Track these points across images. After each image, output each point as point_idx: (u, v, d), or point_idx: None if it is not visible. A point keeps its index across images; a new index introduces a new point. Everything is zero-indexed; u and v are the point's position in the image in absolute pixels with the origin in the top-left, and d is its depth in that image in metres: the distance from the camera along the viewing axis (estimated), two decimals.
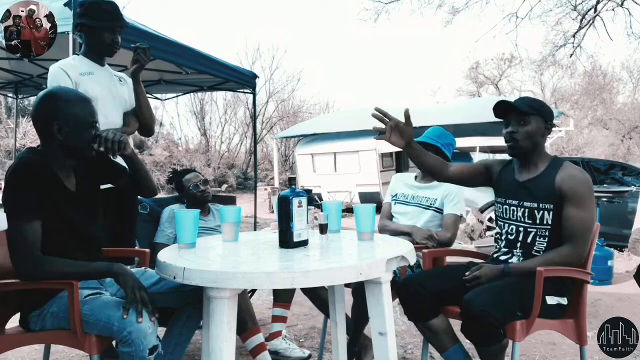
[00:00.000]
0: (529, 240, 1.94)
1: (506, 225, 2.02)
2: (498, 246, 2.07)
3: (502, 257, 2.01)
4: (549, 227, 1.90)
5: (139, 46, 2.35)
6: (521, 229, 1.96)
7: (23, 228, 1.55)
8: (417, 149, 2.05)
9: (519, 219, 1.97)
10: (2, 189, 1.60)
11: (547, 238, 1.91)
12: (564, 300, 1.90)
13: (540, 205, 1.91)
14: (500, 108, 1.97)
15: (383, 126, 1.98)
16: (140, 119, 2.46)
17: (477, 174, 2.14)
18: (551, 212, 1.89)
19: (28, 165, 1.60)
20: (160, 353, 1.58)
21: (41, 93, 1.70)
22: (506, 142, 1.97)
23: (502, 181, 2.07)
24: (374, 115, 1.98)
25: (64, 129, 1.64)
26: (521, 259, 1.96)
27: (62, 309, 1.61)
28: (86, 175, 1.80)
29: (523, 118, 1.92)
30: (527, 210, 1.94)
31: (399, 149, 2.03)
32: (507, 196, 2.03)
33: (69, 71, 2.24)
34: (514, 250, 1.98)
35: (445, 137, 2.63)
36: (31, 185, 1.58)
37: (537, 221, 1.92)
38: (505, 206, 2.03)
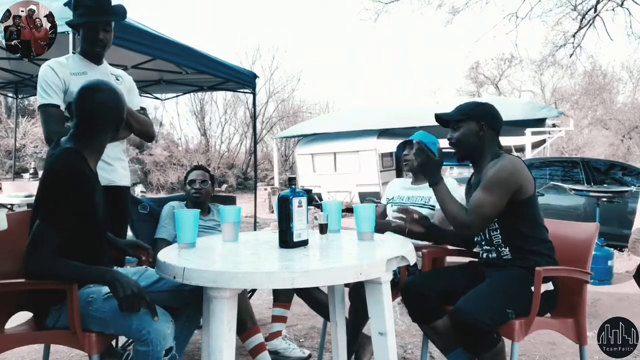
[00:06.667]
0: (487, 236, 2.01)
1: None
2: (481, 249, 2.12)
3: (484, 255, 2.06)
4: (496, 219, 1.95)
5: None
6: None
7: (48, 232, 1.56)
8: (435, 227, 2.24)
9: None
10: (44, 188, 1.60)
11: (498, 230, 1.96)
12: (549, 286, 1.90)
13: None
14: (439, 119, 2.10)
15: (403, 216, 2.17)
16: (134, 132, 2.38)
17: None
18: None
19: (76, 170, 1.60)
20: (175, 355, 1.59)
21: (106, 88, 1.72)
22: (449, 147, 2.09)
23: (471, 187, 2.13)
24: (396, 212, 2.20)
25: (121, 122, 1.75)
26: (493, 254, 2.00)
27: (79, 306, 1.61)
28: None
29: (454, 125, 2.04)
30: None
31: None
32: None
33: (58, 70, 2.19)
34: (485, 247, 2.05)
35: (428, 137, 2.74)
36: (83, 190, 1.60)
37: None
38: None
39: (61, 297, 1.65)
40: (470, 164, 2.11)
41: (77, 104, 1.68)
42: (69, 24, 2.31)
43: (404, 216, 2.16)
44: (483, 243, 2.06)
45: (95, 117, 1.68)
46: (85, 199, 1.62)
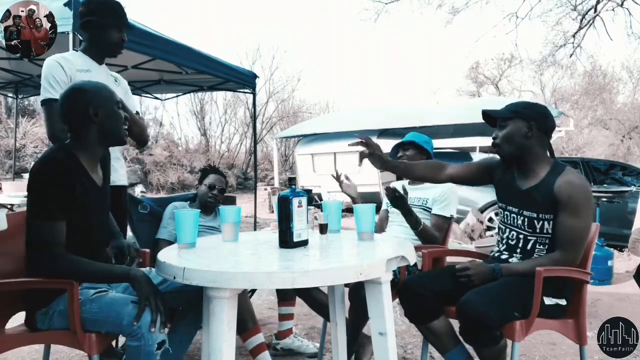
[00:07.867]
0: (528, 247, 1.94)
1: (507, 230, 2.02)
2: (499, 248, 2.07)
3: (503, 257, 2.02)
4: (549, 235, 1.90)
5: None
6: (521, 236, 1.96)
7: (49, 228, 1.56)
8: (401, 165, 2.22)
9: (519, 226, 1.96)
10: (29, 187, 1.60)
11: (547, 245, 1.91)
12: (562, 302, 1.90)
13: (540, 215, 1.89)
14: (487, 117, 2.02)
15: (365, 150, 2.12)
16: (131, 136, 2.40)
17: (478, 174, 2.14)
18: (551, 222, 1.88)
19: (57, 163, 1.60)
20: (168, 349, 1.59)
21: (68, 89, 1.73)
22: (492, 147, 2.01)
23: (502, 185, 2.06)
24: (353, 145, 2.13)
25: (100, 111, 1.69)
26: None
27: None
28: (107, 173, 1.85)
29: (502, 122, 1.96)
30: (526, 219, 1.93)
31: None
32: (507, 202, 2.02)
33: (65, 65, 2.19)
34: (514, 254, 1.99)
35: (420, 137, 2.74)
36: (60, 184, 1.58)
37: (537, 230, 1.91)
38: (506, 212, 2.02)
39: (47, 300, 1.65)
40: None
41: (60, 105, 1.71)
42: (98, 22, 2.27)
43: (362, 148, 2.12)
44: (503, 248, 2.04)
45: (71, 114, 1.69)
46: (64, 191, 1.59)
